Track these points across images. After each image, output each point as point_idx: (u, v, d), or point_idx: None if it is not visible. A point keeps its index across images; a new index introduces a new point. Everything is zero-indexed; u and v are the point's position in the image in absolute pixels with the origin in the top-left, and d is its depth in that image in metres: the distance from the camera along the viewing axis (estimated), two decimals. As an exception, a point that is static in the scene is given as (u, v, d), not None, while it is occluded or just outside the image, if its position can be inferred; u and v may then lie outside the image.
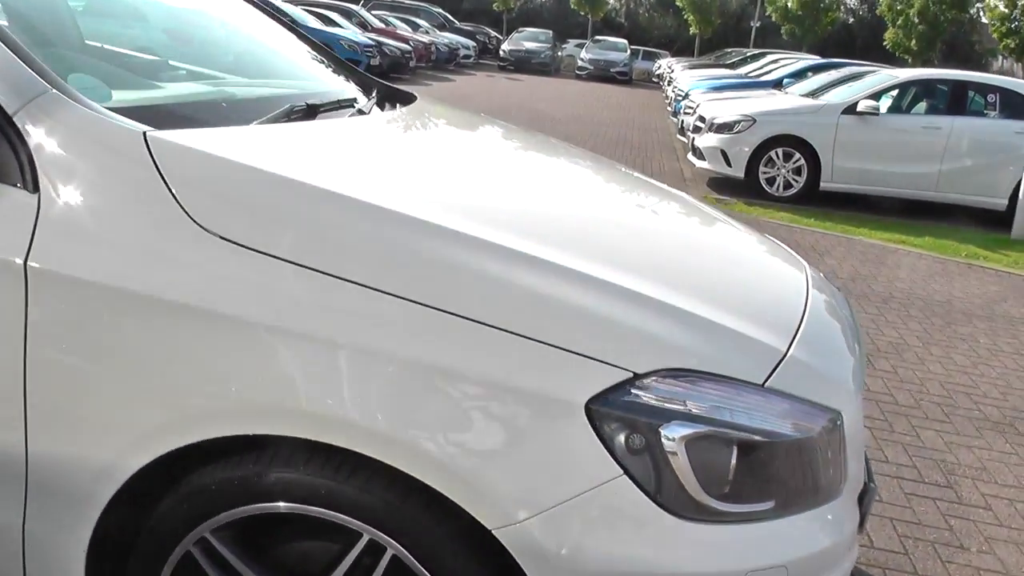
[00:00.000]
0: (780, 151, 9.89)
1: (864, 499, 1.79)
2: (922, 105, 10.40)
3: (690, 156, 11.17)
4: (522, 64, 33.02)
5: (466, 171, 2.13)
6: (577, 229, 1.84)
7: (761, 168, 9.95)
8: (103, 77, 1.83)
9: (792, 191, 9.93)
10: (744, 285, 1.85)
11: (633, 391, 1.37)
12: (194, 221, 1.42)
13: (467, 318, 1.38)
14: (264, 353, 1.38)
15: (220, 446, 1.44)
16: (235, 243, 1.41)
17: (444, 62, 28.85)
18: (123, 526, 1.55)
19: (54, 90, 1.49)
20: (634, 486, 1.37)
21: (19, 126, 1.44)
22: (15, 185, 1.44)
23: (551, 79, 31.45)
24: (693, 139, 10.88)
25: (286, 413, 1.39)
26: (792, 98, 11.22)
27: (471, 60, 32.67)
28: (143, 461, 1.43)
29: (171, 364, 1.41)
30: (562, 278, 1.49)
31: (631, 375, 1.38)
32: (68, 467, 1.46)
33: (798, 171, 9.89)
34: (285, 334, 1.38)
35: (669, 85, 22.47)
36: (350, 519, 1.43)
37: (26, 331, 1.42)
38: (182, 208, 1.43)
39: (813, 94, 11.09)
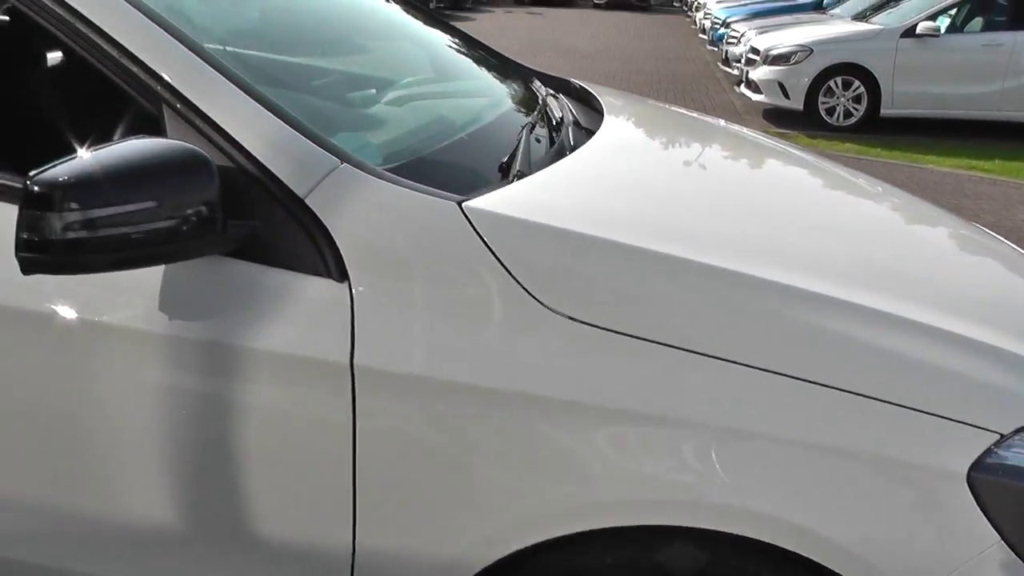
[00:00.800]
0: (839, 80, 9.70)
1: None
2: (980, 21, 10.10)
3: (741, 88, 10.96)
4: (539, -4, 32.43)
5: (756, 205, 1.96)
6: (875, 263, 1.74)
7: (820, 98, 9.77)
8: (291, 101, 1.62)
9: (852, 120, 9.76)
10: (1003, 297, 1.80)
11: (999, 452, 1.34)
12: (539, 302, 1.33)
13: (849, 391, 1.33)
14: (631, 442, 1.33)
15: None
16: (587, 323, 1.33)
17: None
18: None
19: (345, 164, 1.40)
20: (1008, 549, 1.34)
21: (313, 210, 1.36)
22: (319, 275, 1.35)
23: (570, 10, 30.94)
24: (747, 72, 10.66)
25: (670, 505, 1.34)
26: (847, 24, 10.94)
27: (488, -5, 32.06)
28: (493, 558, 1.38)
29: (530, 461, 1.33)
30: (902, 331, 1.43)
31: (998, 436, 1.35)
32: (404, 564, 1.41)
33: (857, 99, 9.71)
34: (647, 419, 1.32)
35: (698, 11, 21.93)
36: None
37: (355, 432, 1.35)
38: (523, 288, 1.34)
39: (863, 17, 10.82)
